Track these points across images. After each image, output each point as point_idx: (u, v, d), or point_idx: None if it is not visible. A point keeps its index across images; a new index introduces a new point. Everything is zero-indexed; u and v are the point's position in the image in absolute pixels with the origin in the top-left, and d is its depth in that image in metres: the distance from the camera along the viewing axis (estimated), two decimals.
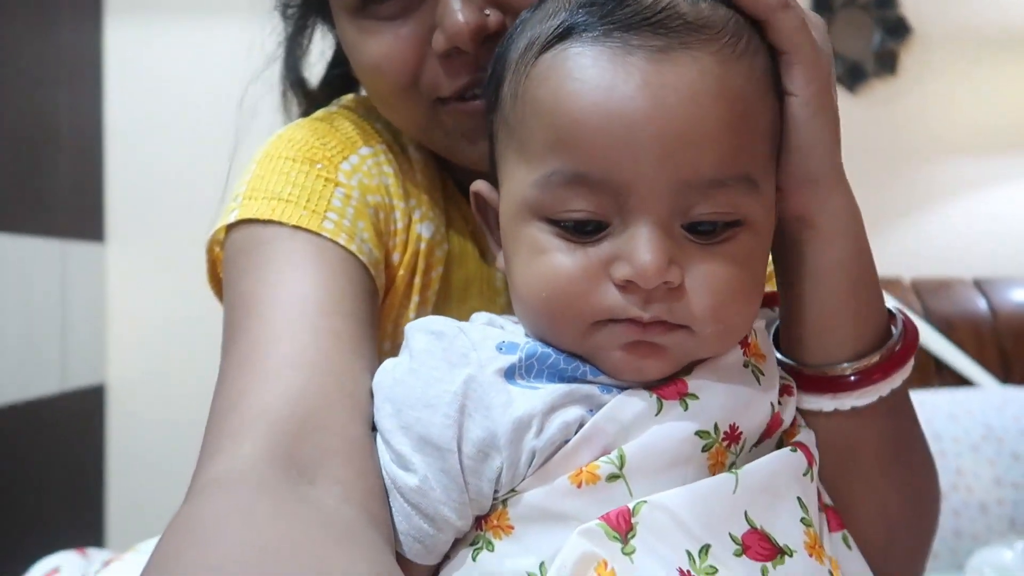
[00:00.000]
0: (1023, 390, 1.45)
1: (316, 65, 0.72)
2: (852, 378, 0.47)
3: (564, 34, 0.42)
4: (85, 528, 1.82)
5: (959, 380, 1.54)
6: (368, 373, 0.47)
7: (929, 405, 1.37)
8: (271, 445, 0.41)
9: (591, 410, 0.43)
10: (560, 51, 0.42)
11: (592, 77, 0.41)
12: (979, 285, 1.64)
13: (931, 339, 1.54)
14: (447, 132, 0.58)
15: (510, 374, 0.43)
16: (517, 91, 0.45)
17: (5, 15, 1.59)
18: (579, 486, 0.41)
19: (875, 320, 0.48)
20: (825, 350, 0.48)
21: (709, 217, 0.42)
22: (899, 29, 1.81)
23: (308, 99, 0.72)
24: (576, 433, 0.42)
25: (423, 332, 0.45)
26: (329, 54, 0.72)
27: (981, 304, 1.60)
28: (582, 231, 0.42)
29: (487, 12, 0.52)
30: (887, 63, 1.82)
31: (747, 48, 0.43)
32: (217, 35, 1.85)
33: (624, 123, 0.40)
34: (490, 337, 0.44)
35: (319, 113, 0.64)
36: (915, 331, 0.50)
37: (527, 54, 0.44)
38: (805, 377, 0.48)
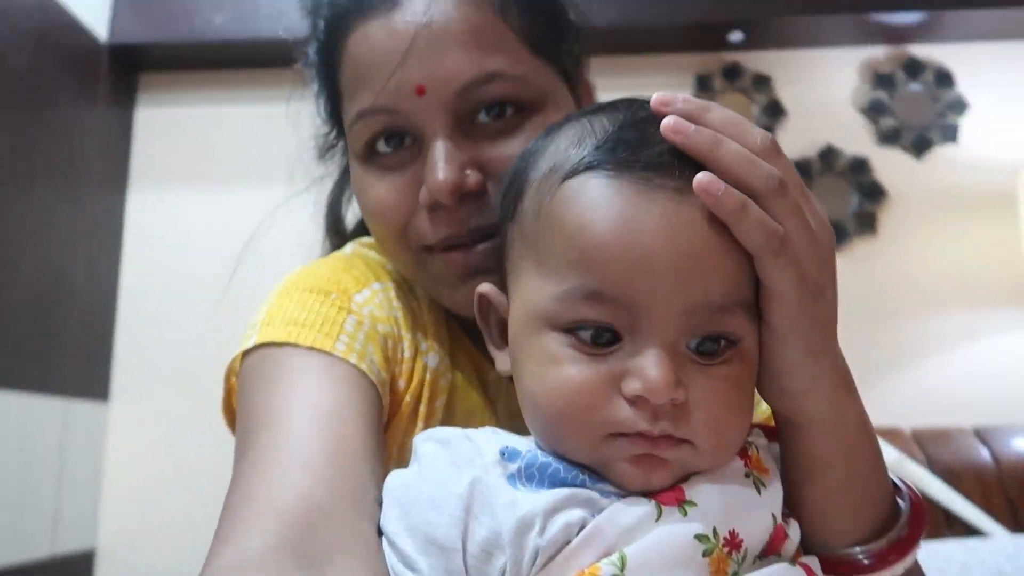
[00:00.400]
0: None
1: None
2: (865, 561, 0.48)
3: (589, 167, 0.46)
4: None
5: (969, 531, 1.50)
6: (376, 479, 0.49)
7: (941, 555, 1.33)
8: (281, 536, 0.42)
9: (592, 513, 0.44)
10: (585, 179, 0.46)
11: (616, 206, 0.44)
12: (979, 434, 1.64)
13: (938, 490, 1.52)
14: (433, 278, 0.62)
15: (513, 478, 0.45)
16: (540, 210, 0.47)
17: (37, 179, 1.70)
18: None
19: (874, 509, 0.49)
20: (824, 536, 0.49)
21: (714, 334, 0.44)
22: (875, 193, 1.93)
23: (340, 238, 0.77)
24: (578, 534, 0.43)
25: (431, 441, 0.48)
26: None
27: (984, 453, 1.59)
28: (596, 342, 0.44)
29: (467, 172, 0.58)
30: (867, 224, 1.92)
31: None
32: (231, 207, 1.96)
33: (644, 251, 0.43)
34: (494, 442, 0.46)
35: (336, 253, 0.70)
36: (923, 510, 0.50)
37: (551, 177, 0.47)
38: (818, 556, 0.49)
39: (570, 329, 0.45)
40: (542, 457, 0.45)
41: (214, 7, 1.93)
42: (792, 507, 0.49)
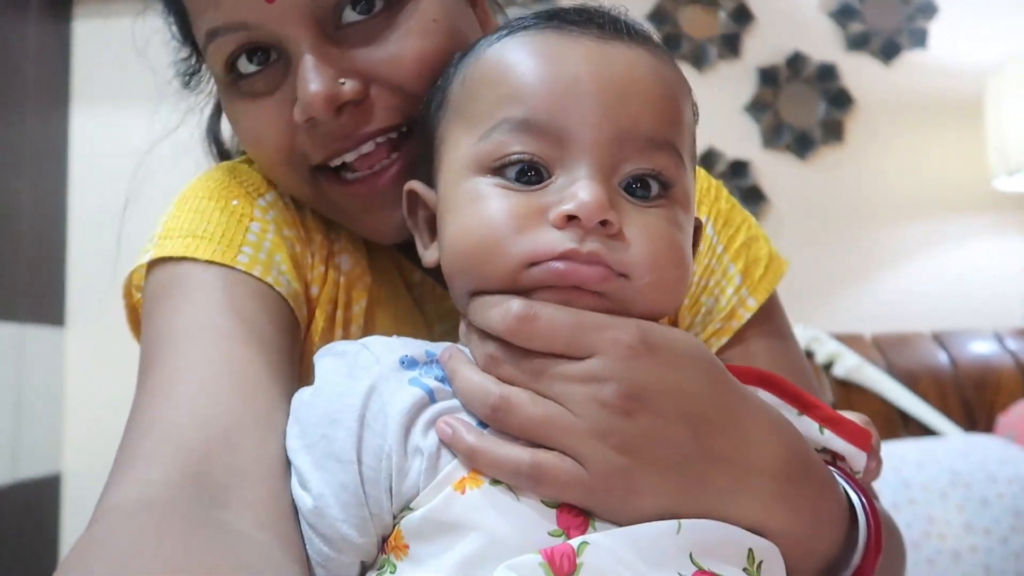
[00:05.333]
0: (987, 437, 1.45)
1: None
2: None
3: (511, 32, 0.47)
4: None
5: (925, 431, 1.54)
6: (285, 400, 0.47)
7: (897, 455, 1.36)
8: (182, 468, 0.40)
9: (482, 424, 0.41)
10: (508, 39, 0.47)
11: (542, 47, 0.45)
12: (938, 338, 1.66)
13: (895, 393, 1.55)
14: (334, 207, 0.57)
15: (415, 382, 0.42)
16: (465, 78, 0.47)
17: None
18: (463, 492, 0.40)
19: (829, 543, 0.44)
20: None
21: (644, 172, 0.44)
22: (841, 100, 1.90)
23: (224, 157, 0.72)
24: None
25: (328, 355, 0.46)
26: None
27: (942, 357, 1.62)
28: (524, 180, 0.43)
29: (342, 81, 0.52)
30: (833, 131, 1.89)
31: (676, 67, 0.48)
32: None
33: (570, 80, 0.43)
34: (394, 350, 0.44)
35: (240, 158, 0.65)
36: (878, 521, 0.46)
37: (477, 51, 0.48)
38: None
39: (498, 169, 0.44)
40: (440, 370, 0.43)
41: None
42: None
